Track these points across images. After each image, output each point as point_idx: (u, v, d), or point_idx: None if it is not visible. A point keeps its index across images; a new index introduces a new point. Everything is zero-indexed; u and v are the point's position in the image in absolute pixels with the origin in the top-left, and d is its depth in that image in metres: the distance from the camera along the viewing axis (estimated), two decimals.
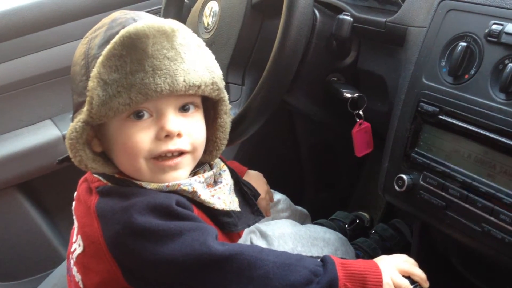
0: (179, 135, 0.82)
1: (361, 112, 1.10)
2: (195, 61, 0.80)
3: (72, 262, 0.88)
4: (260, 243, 1.05)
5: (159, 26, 0.76)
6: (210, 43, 1.09)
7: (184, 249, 0.75)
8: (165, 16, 1.28)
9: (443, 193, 0.89)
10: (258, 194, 1.02)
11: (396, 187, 0.95)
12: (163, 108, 0.80)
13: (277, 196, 1.29)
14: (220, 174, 0.93)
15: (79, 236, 0.85)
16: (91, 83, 0.76)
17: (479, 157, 0.85)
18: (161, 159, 0.82)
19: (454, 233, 0.90)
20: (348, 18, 1.04)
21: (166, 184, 0.82)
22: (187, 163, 0.85)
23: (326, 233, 1.15)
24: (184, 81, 0.78)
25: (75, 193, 0.90)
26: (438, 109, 0.89)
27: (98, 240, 0.79)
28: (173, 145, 0.81)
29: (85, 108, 0.77)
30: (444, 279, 1.10)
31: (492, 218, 0.82)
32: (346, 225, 1.44)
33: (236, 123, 0.99)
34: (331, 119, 1.23)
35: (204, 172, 0.91)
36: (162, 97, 0.79)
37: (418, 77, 0.94)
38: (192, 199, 0.84)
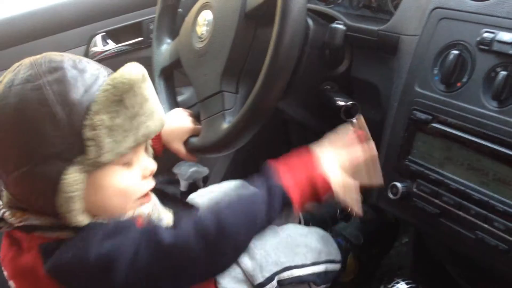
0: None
1: (354, 120, 1.10)
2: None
3: None
4: (243, 257, 1.03)
5: (140, 70, 0.77)
6: (204, 52, 1.09)
7: (143, 247, 0.75)
8: (159, 25, 1.28)
9: (436, 201, 0.90)
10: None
11: (390, 195, 0.95)
12: (140, 149, 0.83)
13: None
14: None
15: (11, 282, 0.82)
16: (92, 132, 0.73)
17: (472, 165, 0.85)
18: (141, 198, 0.85)
19: (448, 241, 0.91)
20: (341, 27, 1.05)
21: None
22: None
23: (308, 236, 1.13)
24: (161, 119, 0.83)
25: (5, 271, 0.84)
26: (431, 117, 0.90)
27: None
28: (152, 181, 0.86)
29: (89, 157, 0.73)
30: (439, 286, 1.10)
31: (485, 226, 0.83)
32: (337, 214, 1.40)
33: (231, 131, 0.99)
34: (324, 127, 1.23)
35: None
36: None
37: (410, 85, 0.94)
38: None
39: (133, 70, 0.76)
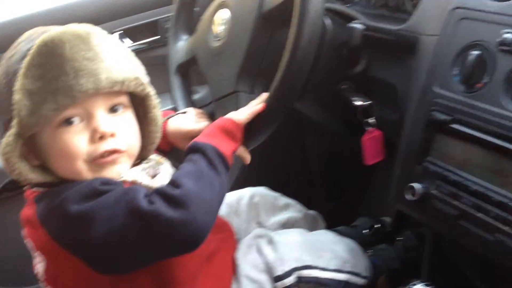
0: (112, 135, 0.84)
1: (371, 120, 1.09)
2: (114, 58, 0.83)
3: (45, 285, 0.89)
4: (266, 248, 1.05)
5: (73, 31, 0.80)
6: (220, 51, 1.09)
7: (121, 213, 0.76)
8: (176, 21, 1.28)
9: (455, 202, 0.88)
10: None
11: (408, 196, 0.94)
12: (92, 111, 0.83)
13: (288, 201, 1.29)
14: (158, 167, 0.95)
15: (37, 253, 0.87)
16: (16, 96, 0.78)
17: (491, 166, 0.84)
18: (98, 160, 0.84)
19: (467, 243, 0.89)
20: (359, 26, 1.04)
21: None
22: (124, 159, 0.87)
23: (337, 244, 1.13)
24: (107, 78, 0.80)
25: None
26: (450, 118, 0.89)
27: (49, 243, 0.80)
28: (108, 145, 0.84)
29: (14, 121, 0.80)
30: None
31: (505, 228, 0.81)
32: (367, 231, 1.41)
33: (247, 130, 0.98)
34: (341, 127, 1.23)
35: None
36: (88, 98, 0.81)
37: (430, 85, 0.93)
38: None
39: (53, 32, 0.79)
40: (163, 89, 1.42)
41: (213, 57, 1.11)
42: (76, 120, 0.82)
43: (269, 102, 0.93)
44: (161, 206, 0.75)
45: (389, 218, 1.50)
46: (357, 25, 1.04)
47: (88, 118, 0.83)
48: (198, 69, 1.18)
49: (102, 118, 0.83)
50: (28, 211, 0.86)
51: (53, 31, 0.80)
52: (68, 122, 0.82)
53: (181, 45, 1.27)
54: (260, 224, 1.21)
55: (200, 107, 1.24)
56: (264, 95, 0.95)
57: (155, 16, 1.56)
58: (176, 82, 1.26)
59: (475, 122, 0.85)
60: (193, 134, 1.08)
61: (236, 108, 1.03)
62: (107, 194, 0.78)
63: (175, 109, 1.22)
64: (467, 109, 0.87)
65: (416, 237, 1.33)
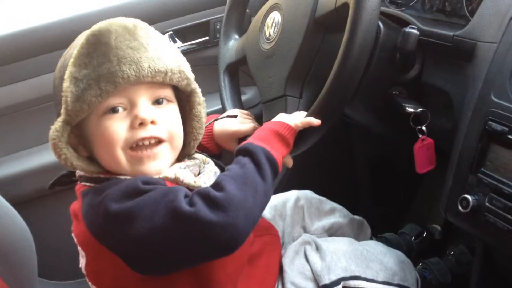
0: (153, 122, 0.85)
1: (424, 128, 1.06)
2: (159, 50, 0.85)
3: (87, 280, 0.91)
4: (314, 255, 1.04)
5: (121, 22, 0.83)
6: (270, 54, 1.08)
7: (161, 213, 0.77)
8: (228, 21, 1.29)
9: (510, 216, 0.85)
10: None
11: (460, 208, 0.91)
12: (135, 99, 0.84)
13: (333, 205, 1.28)
14: (204, 166, 0.95)
15: (79, 248, 0.89)
16: (65, 84, 0.82)
17: None
18: (138, 149, 0.85)
19: None
20: (415, 31, 1.02)
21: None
22: (165, 152, 0.88)
23: (386, 256, 1.11)
24: (149, 67, 0.82)
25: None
26: (507, 129, 0.86)
27: (89, 239, 0.82)
28: (147, 132, 0.85)
29: (62, 109, 0.82)
30: None
31: None
32: (413, 238, 1.39)
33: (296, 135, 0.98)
34: (391, 133, 1.21)
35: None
36: (132, 86, 0.83)
37: (486, 94, 0.90)
38: None
39: (102, 24, 0.83)
40: (211, 89, 1.44)
41: (263, 59, 1.11)
42: (120, 109, 0.84)
43: (318, 109, 0.92)
44: (202, 208, 0.76)
45: (437, 225, 1.47)
46: (412, 30, 1.02)
47: (131, 106, 0.85)
48: (248, 69, 1.18)
49: (144, 106, 0.85)
50: (75, 205, 0.89)
51: (103, 22, 0.83)
52: (112, 110, 0.84)
53: (232, 45, 1.27)
54: (305, 228, 1.20)
55: (247, 108, 1.24)
56: (317, 103, 0.94)
57: (206, 17, 1.57)
58: (225, 82, 1.27)
59: None
60: (239, 135, 1.09)
61: (284, 111, 1.03)
62: (148, 193, 0.79)
63: (223, 109, 1.23)
64: None
65: (471, 251, 1.29)
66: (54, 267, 1.49)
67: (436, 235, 1.45)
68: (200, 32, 1.58)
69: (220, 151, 1.11)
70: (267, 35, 1.10)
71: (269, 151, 0.86)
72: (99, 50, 0.81)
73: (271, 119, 1.04)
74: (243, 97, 1.63)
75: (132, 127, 0.85)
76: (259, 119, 1.13)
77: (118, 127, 0.84)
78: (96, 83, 0.81)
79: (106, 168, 0.88)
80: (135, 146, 0.85)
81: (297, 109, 1.02)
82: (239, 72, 1.28)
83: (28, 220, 1.12)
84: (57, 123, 0.84)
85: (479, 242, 1.09)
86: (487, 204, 0.89)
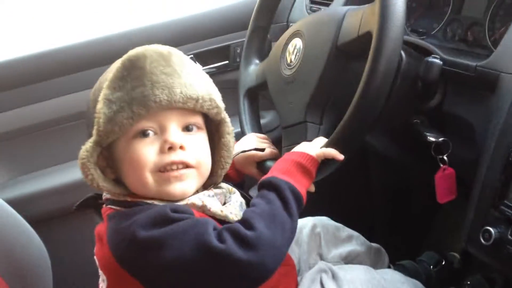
0: (182, 147, 0.86)
1: (445, 157, 1.05)
2: (191, 77, 0.87)
3: None
4: (330, 283, 1.03)
5: (156, 49, 0.86)
6: (291, 80, 1.09)
7: (189, 245, 0.77)
8: (249, 45, 1.30)
9: None
10: None
11: (482, 240, 0.90)
12: (166, 124, 0.86)
13: (350, 232, 1.26)
14: (230, 196, 0.95)
15: (101, 272, 0.88)
16: (98, 105, 0.83)
17: None
18: (165, 171, 0.86)
19: None
20: (438, 61, 1.01)
21: (175, 201, 0.86)
22: (192, 176, 0.88)
23: (404, 285, 1.09)
24: (181, 92, 0.84)
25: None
26: None
27: (112, 263, 0.82)
28: (176, 156, 0.85)
29: (94, 129, 0.84)
30: None
31: None
32: (432, 267, 1.37)
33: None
34: (411, 162, 1.20)
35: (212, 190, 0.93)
36: (163, 111, 0.84)
37: (510, 126, 0.89)
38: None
39: (139, 49, 0.85)
40: (230, 112, 1.44)
41: (284, 85, 1.11)
42: (150, 132, 0.85)
43: (339, 136, 0.92)
44: (232, 246, 0.76)
45: (456, 254, 1.44)
46: (435, 60, 1.01)
47: (161, 131, 0.86)
48: (268, 94, 1.19)
49: (174, 131, 0.86)
50: (101, 227, 0.89)
51: (139, 48, 0.85)
52: (143, 134, 0.85)
53: (252, 70, 1.28)
54: (321, 256, 1.19)
55: (265, 132, 1.24)
56: (337, 131, 0.94)
57: (227, 41, 1.59)
58: (244, 106, 1.27)
59: None
60: (256, 159, 1.09)
61: (304, 138, 1.03)
62: (177, 223, 0.79)
63: (242, 133, 1.23)
64: None
65: (488, 282, 1.26)
66: None
67: (455, 263, 1.42)
68: (220, 56, 1.60)
69: (241, 178, 1.11)
70: (288, 61, 1.11)
71: (294, 185, 0.86)
72: (134, 74, 0.83)
73: (291, 144, 1.04)
74: (262, 121, 1.64)
75: (161, 151, 0.85)
76: (277, 143, 1.13)
77: (147, 151, 0.85)
78: (128, 106, 0.82)
79: (132, 191, 0.88)
80: (163, 170, 0.86)
81: (317, 136, 1.02)
82: (259, 96, 1.29)
83: (46, 239, 1.12)
84: (88, 144, 0.85)
85: (500, 276, 1.07)
86: (509, 237, 0.87)
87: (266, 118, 1.65)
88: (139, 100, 0.82)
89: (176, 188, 0.86)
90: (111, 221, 0.85)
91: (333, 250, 1.21)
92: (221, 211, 0.87)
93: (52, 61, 1.47)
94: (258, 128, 1.26)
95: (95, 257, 0.90)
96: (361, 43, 0.94)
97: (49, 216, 1.45)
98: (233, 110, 1.31)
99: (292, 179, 0.88)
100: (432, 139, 1.03)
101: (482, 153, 0.96)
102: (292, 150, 0.96)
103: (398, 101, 1.05)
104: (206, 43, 1.58)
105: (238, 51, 1.59)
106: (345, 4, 1.35)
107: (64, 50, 1.47)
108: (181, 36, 1.53)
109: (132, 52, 0.85)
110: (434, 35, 1.20)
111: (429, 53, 1.08)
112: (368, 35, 0.90)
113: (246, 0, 1.62)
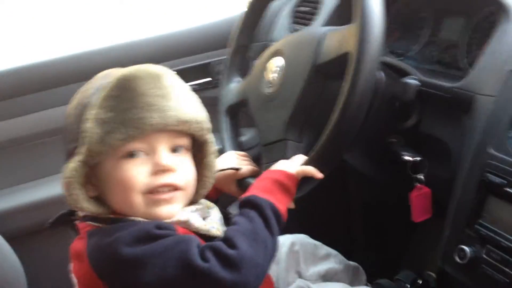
0: (173, 170, 0.86)
1: (421, 177, 1.07)
2: (182, 99, 0.87)
3: None
4: None
5: (148, 70, 0.85)
6: (272, 98, 1.10)
7: (172, 263, 0.77)
8: (231, 63, 1.31)
9: (507, 270, 0.85)
10: None
11: (457, 259, 0.91)
12: (156, 146, 0.85)
13: (329, 250, 1.27)
14: (209, 211, 0.95)
15: None
16: (87, 124, 0.82)
17: None
18: (156, 193, 0.86)
19: None
20: (415, 82, 1.03)
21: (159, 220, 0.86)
22: (180, 198, 0.88)
23: None
24: (175, 116, 0.84)
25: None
26: (505, 181, 0.87)
27: (94, 280, 0.80)
28: (168, 178, 0.86)
29: (83, 148, 0.82)
30: None
31: None
32: (409, 286, 1.38)
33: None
34: (388, 180, 1.21)
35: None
36: (155, 133, 0.84)
37: (484, 146, 0.91)
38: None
39: (132, 68, 0.85)
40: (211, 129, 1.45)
41: (264, 103, 1.12)
42: (140, 153, 0.85)
43: (318, 155, 0.93)
44: (215, 265, 0.76)
45: (432, 273, 1.46)
46: (412, 81, 1.03)
47: (151, 153, 0.85)
48: (248, 112, 1.19)
49: (164, 153, 0.86)
50: (78, 244, 0.87)
51: (131, 68, 0.85)
52: (131, 154, 0.85)
53: (233, 87, 1.29)
54: (300, 274, 1.19)
55: (245, 150, 1.24)
56: (316, 150, 0.94)
57: (208, 58, 1.60)
58: (225, 123, 1.28)
59: None
60: (236, 177, 1.09)
61: (284, 155, 1.04)
62: (160, 240, 0.79)
63: (223, 150, 1.23)
64: None
65: None
66: None
67: (431, 282, 1.43)
68: (201, 73, 1.60)
69: (218, 196, 1.11)
70: (269, 79, 1.12)
71: (274, 204, 0.87)
72: (127, 95, 0.82)
73: (271, 161, 1.05)
74: (242, 138, 1.65)
75: (153, 173, 0.85)
76: (257, 161, 1.14)
77: (138, 172, 0.84)
78: (122, 127, 0.82)
79: (116, 210, 0.87)
80: (153, 192, 0.85)
81: (297, 153, 1.03)
82: (240, 113, 1.30)
83: (22, 256, 1.10)
84: (75, 162, 0.83)
85: None
86: (484, 256, 0.89)
87: (247, 136, 1.65)
88: (132, 122, 0.82)
89: (163, 210, 0.86)
90: (92, 238, 0.84)
91: (311, 268, 1.21)
92: (204, 225, 0.88)
93: (30, 76, 1.46)
94: (238, 145, 1.27)
95: (72, 275, 0.88)
96: (340, 63, 0.95)
97: (25, 232, 1.43)
98: (213, 127, 1.32)
99: (273, 197, 0.88)
100: (409, 158, 1.05)
101: (457, 173, 0.98)
102: (272, 168, 0.96)
103: (376, 120, 1.07)
104: (187, 60, 1.59)
105: (219, 68, 1.60)
106: (325, 24, 1.37)
107: (43, 65, 1.47)
108: (162, 53, 1.53)
109: (125, 72, 0.85)
110: (411, 57, 1.22)
111: (406, 74, 1.11)
112: (347, 55, 0.92)
113: (228, 18, 1.64)
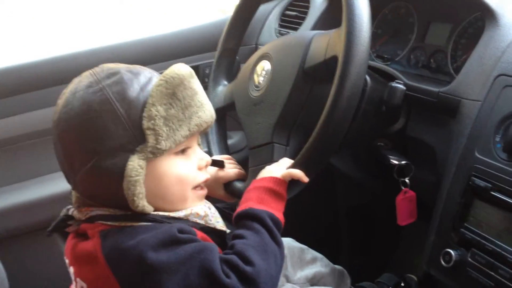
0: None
1: (407, 180, 1.08)
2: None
3: None
4: None
5: (188, 68, 0.86)
6: (259, 101, 1.10)
7: (195, 272, 0.77)
8: (217, 67, 1.30)
9: (492, 273, 0.86)
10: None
11: (443, 262, 0.92)
12: (194, 142, 0.90)
13: (315, 254, 1.27)
14: (209, 206, 0.96)
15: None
16: (156, 122, 0.81)
17: None
18: (198, 188, 0.90)
19: None
20: (401, 86, 1.04)
21: (181, 211, 0.88)
22: None
23: None
24: (211, 113, 0.90)
25: (67, 260, 0.90)
26: (490, 185, 0.87)
27: (109, 282, 0.79)
28: (207, 174, 0.92)
29: (149, 144, 0.81)
30: None
31: None
32: None
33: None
34: (374, 184, 1.22)
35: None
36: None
37: (470, 150, 0.92)
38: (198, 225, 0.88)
39: (181, 67, 0.85)
40: None
41: (251, 106, 1.12)
42: (188, 150, 0.88)
43: (305, 158, 0.93)
44: (236, 283, 0.77)
45: (414, 276, 1.47)
46: (399, 85, 1.04)
47: (192, 148, 0.89)
48: (235, 115, 1.19)
49: (199, 149, 0.92)
50: (85, 245, 0.84)
51: (176, 66, 0.85)
52: (183, 151, 0.87)
53: (221, 90, 1.28)
54: (287, 278, 1.19)
55: (232, 153, 1.24)
56: (303, 153, 0.95)
57: (196, 61, 1.59)
58: (212, 126, 1.27)
59: None
60: (223, 181, 1.09)
61: (271, 158, 1.04)
62: (184, 246, 0.79)
63: (209, 154, 1.23)
64: (509, 178, 0.85)
65: None
66: None
67: (413, 286, 1.44)
68: None
69: None
70: (256, 82, 1.12)
71: (272, 213, 0.88)
72: (187, 93, 0.84)
73: (258, 165, 1.05)
74: (229, 141, 1.64)
75: (199, 168, 0.90)
76: (244, 164, 1.14)
77: (190, 168, 0.88)
78: (186, 125, 0.84)
79: (162, 206, 0.87)
80: (198, 187, 0.90)
81: (284, 157, 1.03)
82: (227, 116, 1.29)
83: (4, 259, 1.09)
84: (140, 161, 0.81)
85: None
86: (469, 259, 0.89)
87: (234, 139, 1.65)
88: (193, 119, 0.85)
89: (199, 204, 0.91)
90: (108, 239, 0.81)
91: (298, 272, 1.21)
92: (216, 222, 0.91)
93: (18, 77, 1.44)
94: (225, 148, 1.26)
95: (77, 279, 0.86)
96: (327, 66, 0.96)
97: (7, 235, 1.41)
98: None
99: (268, 207, 0.89)
100: (395, 162, 1.06)
101: (443, 177, 0.98)
102: (259, 175, 0.96)
103: (363, 124, 1.08)
104: (175, 62, 1.58)
105: (207, 71, 1.60)
106: (313, 28, 1.38)
107: (31, 66, 1.45)
108: (150, 55, 1.52)
109: (175, 69, 0.84)
110: (398, 61, 1.23)
111: (393, 78, 1.11)
112: (334, 59, 0.92)
113: (216, 22, 1.64)
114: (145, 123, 0.81)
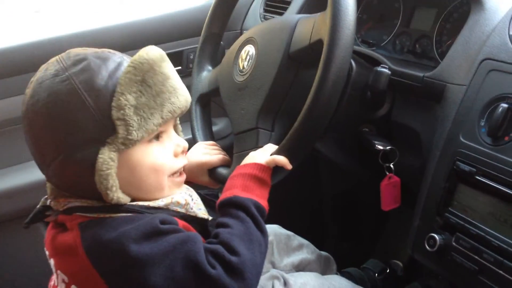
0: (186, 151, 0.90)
1: (391, 166, 1.08)
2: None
3: None
4: None
5: (160, 52, 0.83)
6: (243, 86, 1.09)
7: (180, 263, 0.76)
8: (202, 52, 1.29)
9: (476, 257, 0.86)
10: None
11: (427, 247, 0.92)
12: (169, 128, 0.87)
13: (301, 241, 1.27)
14: (190, 193, 0.95)
15: (64, 283, 0.83)
16: (125, 112, 0.77)
17: None
18: (176, 175, 0.88)
19: None
20: (386, 71, 1.03)
21: (161, 200, 0.85)
22: None
23: None
24: (186, 98, 0.86)
25: (47, 252, 0.88)
26: (475, 169, 0.87)
27: (89, 274, 0.77)
28: (185, 159, 0.90)
29: (119, 136, 0.78)
30: None
31: None
32: (376, 274, 1.39)
33: None
34: (359, 169, 1.21)
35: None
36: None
37: (455, 135, 0.92)
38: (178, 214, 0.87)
39: (151, 51, 0.81)
40: (182, 119, 1.43)
41: (236, 91, 1.11)
42: (164, 134, 0.85)
43: (289, 144, 0.92)
44: (222, 273, 0.76)
45: (400, 262, 1.48)
46: (384, 70, 1.04)
47: (167, 134, 0.86)
48: (220, 101, 1.18)
49: (175, 134, 0.88)
50: (64, 237, 0.82)
51: (144, 50, 0.81)
52: (157, 137, 0.84)
53: (205, 76, 1.27)
54: (274, 264, 1.19)
55: (217, 139, 1.23)
56: (288, 138, 0.94)
57: (180, 46, 1.57)
58: (196, 112, 1.26)
59: (501, 176, 0.84)
60: (207, 167, 1.08)
61: (255, 144, 1.03)
62: (166, 237, 0.77)
63: (193, 140, 1.22)
64: (493, 162, 0.85)
65: None
66: None
67: (399, 271, 1.45)
68: (173, 62, 1.57)
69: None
70: (241, 67, 1.10)
71: (257, 201, 0.87)
72: (158, 78, 0.80)
73: (242, 150, 1.04)
74: (214, 128, 1.63)
75: (175, 155, 0.87)
76: (230, 150, 1.13)
77: (165, 155, 0.85)
78: (158, 113, 0.80)
79: (139, 197, 0.84)
80: (175, 174, 0.87)
81: (269, 142, 1.02)
82: (211, 103, 1.28)
83: None
84: (111, 153, 0.78)
85: (437, 282, 1.10)
86: (454, 244, 0.89)
87: (218, 125, 1.64)
88: (168, 106, 0.81)
89: (177, 191, 0.88)
90: (87, 231, 0.79)
91: (285, 259, 1.22)
92: (198, 210, 0.89)
93: None
94: (210, 135, 1.25)
95: (58, 271, 0.84)
96: (312, 51, 0.95)
97: None
98: (184, 116, 1.30)
99: (253, 194, 0.88)
100: (380, 147, 1.05)
101: (428, 162, 0.98)
102: (243, 161, 0.95)
103: (348, 109, 1.07)
104: (160, 48, 1.56)
105: (191, 57, 1.58)
106: (298, 13, 1.37)
107: (12, 50, 1.42)
108: (133, 40, 1.50)
109: (143, 54, 0.80)
110: (383, 47, 1.23)
111: (378, 63, 1.11)
112: (319, 43, 0.91)
113: (200, 6, 1.62)
114: (115, 114, 0.77)
